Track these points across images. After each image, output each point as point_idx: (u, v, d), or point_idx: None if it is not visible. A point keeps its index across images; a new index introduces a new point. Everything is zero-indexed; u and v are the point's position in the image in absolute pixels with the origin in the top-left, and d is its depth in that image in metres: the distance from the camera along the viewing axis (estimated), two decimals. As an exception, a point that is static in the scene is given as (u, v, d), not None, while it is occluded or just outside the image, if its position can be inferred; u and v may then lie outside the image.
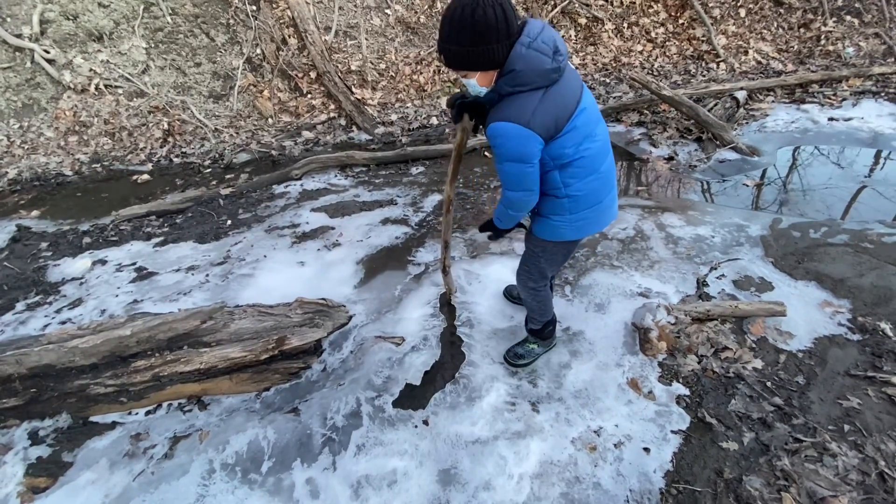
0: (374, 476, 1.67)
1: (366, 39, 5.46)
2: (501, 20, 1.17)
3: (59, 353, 1.92)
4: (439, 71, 5.50)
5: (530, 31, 1.24)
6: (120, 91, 4.94)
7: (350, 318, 2.38)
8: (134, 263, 3.09)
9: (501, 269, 2.65)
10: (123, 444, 1.91)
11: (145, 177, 4.42)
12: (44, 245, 3.39)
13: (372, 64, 5.43)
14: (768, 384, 1.87)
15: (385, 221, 3.30)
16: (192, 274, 2.92)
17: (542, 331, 1.99)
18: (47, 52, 4.79)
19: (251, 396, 2.09)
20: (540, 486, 1.59)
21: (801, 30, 6.15)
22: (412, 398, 1.95)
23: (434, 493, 1.61)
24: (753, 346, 2.06)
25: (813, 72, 5.26)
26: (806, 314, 2.22)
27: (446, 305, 2.43)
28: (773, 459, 1.58)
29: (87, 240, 3.39)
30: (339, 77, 5.13)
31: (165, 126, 4.87)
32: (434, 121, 4.99)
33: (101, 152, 4.74)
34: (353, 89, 5.19)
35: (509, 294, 2.44)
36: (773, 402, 1.79)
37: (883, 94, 4.64)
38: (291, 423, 1.89)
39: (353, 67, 5.32)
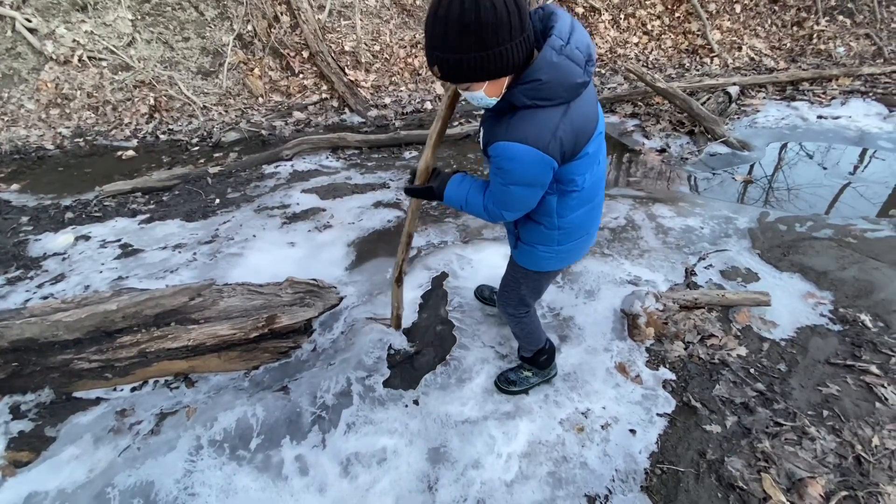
0: (363, 454, 1.68)
1: (360, 20, 5.35)
2: (514, 12, 0.91)
3: (41, 326, 1.87)
4: (434, 55, 5.43)
5: (560, 30, 0.99)
6: (104, 64, 4.78)
7: (341, 299, 2.38)
8: (119, 240, 3.02)
9: (493, 255, 2.66)
10: (108, 419, 1.88)
11: (130, 153, 4.31)
12: (24, 219, 3.29)
13: (366, 45, 5.34)
14: (751, 371, 1.92)
15: (377, 205, 3.27)
16: (180, 252, 2.86)
17: (535, 359, 1.82)
18: (29, 21, 4.59)
19: (240, 375, 2.07)
20: (528, 465, 1.61)
21: (795, 28, 6.21)
22: (403, 379, 1.96)
23: (423, 470, 1.62)
24: (738, 334, 2.10)
25: (804, 70, 5.32)
26: (790, 305, 2.27)
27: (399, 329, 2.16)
28: (755, 442, 1.62)
29: (69, 215, 3.31)
30: (333, 57, 5.03)
31: (152, 101, 4.74)
32: (428, 105, 4.94)
33: (83, 126, 4.60)
34: (347, 70, 5.10)
35: (480, 294, 2.32)
36: (756, 388, 1.84)
37: (871, 94, 4.72)
38: (281, 401, 1.88)
39: (346, 48, 5.22)
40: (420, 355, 2.08)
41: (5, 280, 2.68)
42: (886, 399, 1.73)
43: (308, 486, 1.60)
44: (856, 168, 3.71)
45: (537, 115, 1.04)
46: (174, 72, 4.93)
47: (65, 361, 1.94)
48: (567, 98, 1.04)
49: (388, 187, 3.50)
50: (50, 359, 1.93)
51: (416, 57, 5.38)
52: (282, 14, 5.16)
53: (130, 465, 1.69)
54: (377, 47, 5.36)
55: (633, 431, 1.71)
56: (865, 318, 2.14)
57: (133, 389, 2.02)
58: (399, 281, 1.91)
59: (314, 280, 2.34)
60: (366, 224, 3.05)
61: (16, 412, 1.91)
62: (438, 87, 5.23)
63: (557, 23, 1.01)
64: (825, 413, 1.72)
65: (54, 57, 4.67)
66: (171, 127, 4.65)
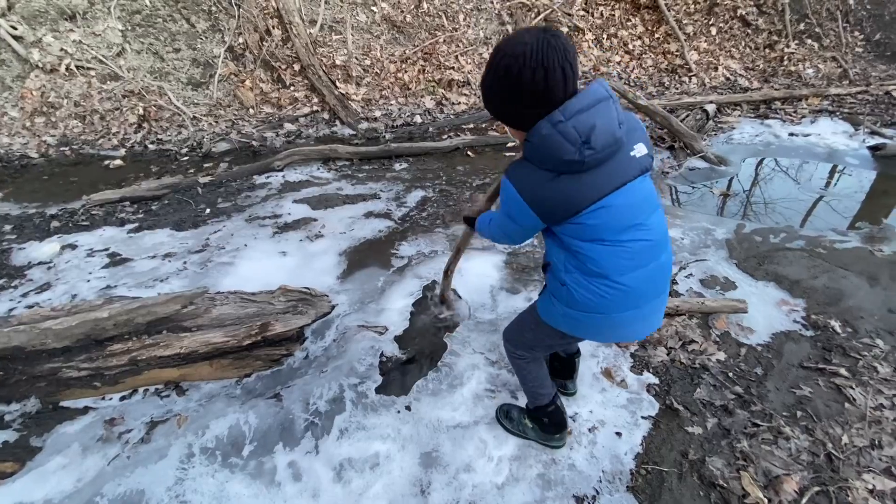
0: (356, 459, 1.70)
1: (351, 35, 5.45)
2: (540, 88, 0.98)
3: (30, 334, 1.86)
4: (424, 70, 5.55)
5: (572, 106, 1.00)
6: (92, 73, 4.77)
7: (333, 307, 2.40)
8: (107, 249, 3.00)
9: (483, 265, 2.72)
10: (97, 428, 1.86)
11: (118, 162, 4.29)
12: (7, 228, 3.25)
13: (357, 60, 5.43)
14: (730, 374, 2.00)
15: (368, 215, 3.32)
16: (169, 261, 2.86)
17: (537, 417, 1.69)
18: (14, 29, 4.58)
19: (231, 382, 2.07)
20: (518, 468, 1.65)
21: (767, 50, 6.52)
22: (395, 385, 1.99)
23: (416, 475, 1.65)
24: (717, 339, 2.19)
25: (776, 89, 5.59)
26: (765, 311, 2.38)
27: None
28: (734, 442, 1.69)
29: (55, 224, 3.27)
30: (324, 71, 5.11)
31: (141, 111, 4.74)
32: (418, 119, 5.03)
33: (70, 135, 4.56)
34: (338, 84, 5.18)
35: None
36: (734, 391, 1.92)
37: (838, 114, 4.97)
38: (273, 408, 1.89)
39: (337, 62, 5.31)
40: (411, 362, 2.11)
41: (-12, 289, 2.64)
42: (854, 400, 1.83)
43: (301, 492, 1.61)
44: (826, 183, 3.90)
45: (526, 166, 1.11)
46: (164, 82, 4.94)
47: (52, 370, 1.93)
48: (558, 170, 1.06)
49: (379, 198, 3.55)
50: (37, 367, 1.92)
51: (405, 72, 5.50)
52: (273, 28, 5.23)
53: (120, 473, 1.68)
54: (368, 62, 5.46)
55: (618, 434, 1.77)
56: (835, 324, 2.25)
57: (122, 398, 2.00)
58: (446, 275, 2.22)
59: (306, 288, 2.36)
60: (357, 234, 3.09)
61: (0, 422, 1.88)
62: (427, 102, 5.34)
63: (574, 99, 1.01)
64: (799, 414, 1.80)
65: (40, 65, 4.65)
66: (159, 137, 4.64)
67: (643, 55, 6.47)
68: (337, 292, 2.57)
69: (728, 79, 6.14)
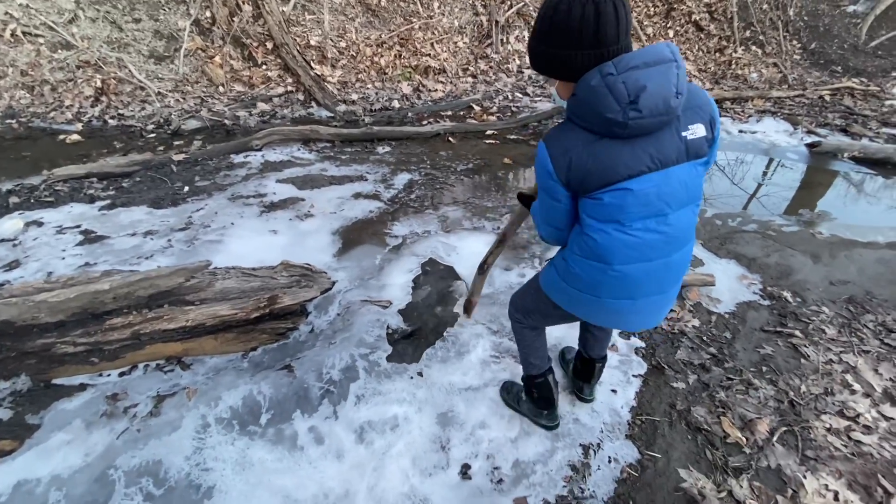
0: (376, 422, 1.76)
1: (327, 15, 5.35)
2: (590, 24, 0.90)
3: (21, 307, 1.77)
4: (400, 56, 5.55)
5: (624, 59, 0.92)
6: (41, 41, 4.40)
7: (333, 283, 2.42)
8: (78, 226, 2.84)
9: (476, 243, 2.83)
10: (98, 404, 1.81)
11: (75, 137, 4.00)
12: (-43, 203, 2.98)
13: (332, 41, 5.34)
14: (704, 338, 2.24)
15: (357, 196, 3.33)
16: (152, 238, 2.75)
17: (527, 387, 1.71)
18: (-52, -14, 4.13)
19: (237, 356, 2.07)
20: (529, 424, 1.78)
21: (717, 54, 7.04)
22: (405, 354, 2.06)
23: (435, 433, 1.74)
24: (691, 309, 2.43)
25: (726, 91, 6.07)
26: (729, 285, 2.66)
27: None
28: (713, 393, 1.92)
29: (14, 199, 3.04)
30: (298, 51, 4.98)
31: (98, 84, 4.43)
32: (396, 104, 5.04)
33: (16, 107, 4.20)
34: (312, 64, 5.07)
35: (562, 357, 2.06)
36: (709, 352, 2.15)
37: (779, 114, 5.49)
38: (286, 378, 1.91)
39: (312, 42, 5.19)
40: (417, 333, 2.19)
41: (-53, 267, 2.44)
42: (808, 356, 2.11)
43: (325, 454, 1.66)
44: (771, 174, 4.34)
45: (567, 127, 1.04)
46: (123, 54, 4.64)
47: (45, 346, 1.84)
48: (597, 129, 0.98)
49: (366, 180, 3.56)
50: (27, 343, 1.83)
51: (381, 56, 5.47)
52: (244, 2, 5.03)
53: (132, 446, 1.65)
54: (343, 44, 5.38)
55: (614, 391, 1.94)
56: (787, 295, 2.56)
57: (121, 374, 1.95)
58: (482, 270, 2.05)
59: (307, 264, 2.37)
60: (348, 214, 3.10)
61: (-12, 401, 1.78)
62: (405, 88, 5.35)
63: (632, 53, 0.94)
64: (764, 369, 2.06)
65: (-19, 29, 4.23)
66: (121, 112, 4.37)
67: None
68: (335, 269, 2.59)
69: (683, 78, 6.58)
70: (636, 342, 2.19)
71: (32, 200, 3.05)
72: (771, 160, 4.62)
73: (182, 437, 1.68)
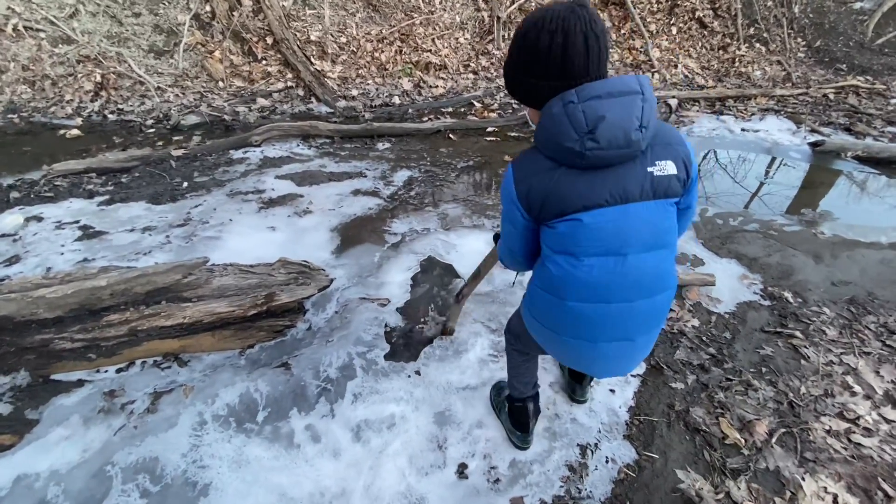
0: (373, 420, 1.76)
1: (328, 10, 5.32)
2: (556, 55, 0.88)
3: (21, 303, 1.77)
4: (401, 51, 5.52)
5: (590, 89, 0.89)
6: (42, 35, 4.38)
7: (331, 280, 2.41)
8: (77, 221, 2.83)
9: (476, 241, 2.82)
10: (96, 400, 1.81)
11: (75, 132, 4.00)
12: (-43, 198, 2.98)
13: (332, 37, 5.31)
14: (704, 338, 2.23)
15: (356, 192, 3.32)
16: (150, 234, 2.75)
17: (508, 401, 1.68)
18: (-52, -21, 4.12)
19: (234, 354, 2.06)
20: (526, 423, 1.78)
21: (720, 51, 6.99)
22: (402, 353, 2.06)
23: (432, 432, 1.74)
24: (691, 308, 2.42)
25: (729, 88, 6.03)
26: (729, 284, 2.64)
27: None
28: (712, 394, 1.91)
29: (14, 194, 3.04)
30: (298, 46, 4.96)
31: (98, 78, 4.42)
32: (396, 100, 5.02)
33: (17, 101, 4.19)
34: (312, 60, 5.05)
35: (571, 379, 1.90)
36: (708, 352, 2.14)
37: (782, 112, 5.46)
38: (283, 376, 1.91)
39: (312, 37, 5.17)
40: (415, 331, 2.18)
41: (-54, 262, 2.44)
42: (809, 357, 2.10)
43: (322, 452, 1.66)
44: (773, 174, 4.31)
45: (532, 153, 1.02)
46: (123, 48, 4.62)
47: (43, 342, 1.84)
48: (559, 159, 0.95)
49: (366, 176, 3.55)
50: (26, 339, 1.83)
51: (382, 52, 5.44)
52: (244, -3, 5.00)
53: (129, 443, 1.65)
54: (343, 39, 5.35)
55: (612, 391, 1.94)
56: (788, 295, 2.54)
57: (119, 371, 1.95)
58: (458, 300, 2.05)
59: (305, 261, 2.36)
60: (347, 211, 3.10)
61: (-13, 396, 1.78)
62: (405, 84, 5.32)
63: (596, 82, 0.90)
64: (763, 370, 2.05)
65: (-19, 23, 4.22)
66: (120, 107, 4.36)
67: (610, 49, 6.75)
68: (333, 267, 2.58)
69: (686, 76, 6.54)
70: (635, 342, 2.18)
71: (33, 195, 3.05)
72: (773, 159, 4.59)
73: (179, 435, 1.68)
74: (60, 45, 4.40)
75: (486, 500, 1.54)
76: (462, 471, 1.62)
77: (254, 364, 2.02)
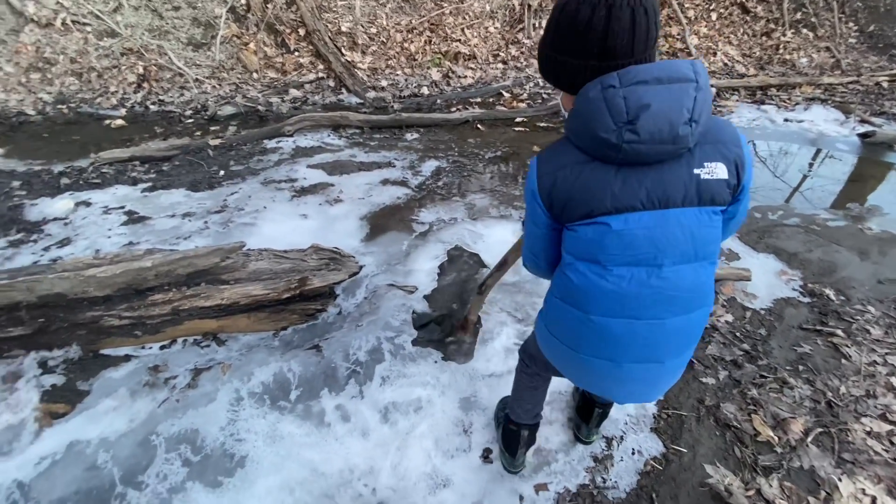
0: (400, 403, 1.80)
1: (358, 0, 5.35)
2: (597, 31, 0.77)
3: (73, 282, 1.88)
4: (430, 41, 5.51)
5: (634, 72, 0.78)
6: (89, 29, 4.59)
7: (361, 267, 2.46)
8: (122, 207, 2.98)
9: (502, 231, 2.82)
10: (141, 375, 1.92)
11: (119, 122, 4.19)
12: (16, 184, 3.18)
13: (362, 27, 5.35)
14: (737, 334, 2.17)
15: (385, 182, 3.36)
16: (190, 220, 2.87)
17: (506, 419, 1.55)
18: (6, -23, 4.35)
19: (268, 335, 2.14)
20: (551, 411, 1.78)
21: (764, 38, 6.67)
22: (430, 339, 2.09)
23: (458, 416, 1.77)
24: (725, 303, 2.36)
25: (772, 77, 5.75)
26: (766, 280, 2.56)
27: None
28: (744, 390, 1.86)
29: (65, 181, 3.22)
30: (329, 37, 5.02)
31: (140, 70, 4.60)
32: (425, 90, 5.03)
33: (66, 93, 4.42)
34: (343, 51, 5.10)
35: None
36: (742, 348, 2.09)
37: (829, 102, 5.18)
38: (314, 357, 1.97)
39: (343, 28, 5.22)
40: (442, 319, 2.21)
41: (7, 243, 2.62)
42: (850, 357, 2.02)
43: (351, 431, 1.71)
44: (817, 166, 4.11)
45: (561, 144, 0.91)
46: (164, 41, 4.79)
47: (94, 318, 1.96)
48: (591, 151, 0.85)
49: (394, 166, 3.59)
50: (78, 315, 1.95)
51: (411, 42, 5.45)
52: (278, -11, 5.09)
53: (171, 415, 1.75)
54: (374, 30, 5.38)
55: (640, 384, 1.91)
56: (830, 293, 2.44)
57: (162, 347, 2.06)
58: (481, 291, 1.97)
59: (336, 248, 2.42)
60: (376, 200, 3.14)
61: (44, 367, 1.92)
62: (434, 74, 5.32)
63: (642, 65, 0.79)
64: (801, 368, 1.98)
65: (35, 19, 4.45)
66: (161, 98, 4.53)
67: (660, 30, 6.53)
68: (362, 254, 2.63)
69: (726, 64, 6.28)
70: (665, 335, 2.14)
71: (81, 182, 3.22)
72: (818, 151, 4.37)
73: (217, 409, 1.77)
74: (105, 39, 4.61)
75: (511, 485, 1.56)
76: (487, 455, 1.64)
77: (287, 345, 2.09)
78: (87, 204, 3.00)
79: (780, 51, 6.42)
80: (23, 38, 4.38)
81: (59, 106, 4.30)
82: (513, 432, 1.51)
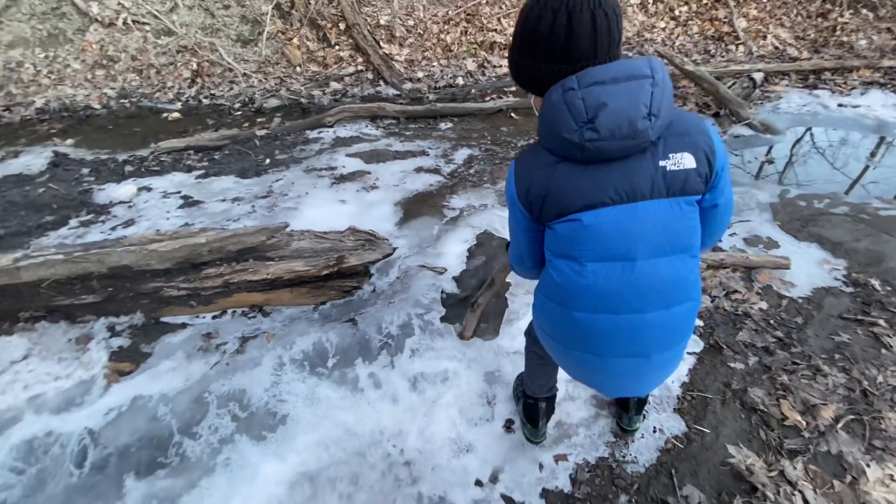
0: (428, 373, 1.91)
1: (395, -6, 5.47)
2: (559, 36, 0.80)
3: (138, 255, 2.09)
4: (466, 32, 5.55)
5: (592, 73, 0.81)
6: (147, 28, 4.94)
7: (394, 249, 2.58)
8: (179, 192, 3.24)
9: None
10: (196, 341, 2.12)
11: (175, 115, 4.50)
12: (85, 171, 3.51)
13: (400, 20, 5.46)
14: (771, 321, 2.13)
15: (418, 170, 3.47)
16: (238, 204, 3.08)
17: (524, 395, 1.62)
18: (75, -18, 4.75)
19: (309, 309, 2.30)
20: (574, 388, 1.84)
21: (819, 19, 6.27)
22: (457, 316, 2.18)
23: (482, 388, 1.85)
24: (760, 291, 2.31)
25: (826, 60, 5.42)
26: (806, 269, 2.48)
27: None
28: (774, 376, 1.85)
29: (128, 168, 3.52)
30: (368, 30, 5.17)
31: (194, 66, 4.91)
32: (460, 81, 5.09)
33: (128, 88, 4.78)
34: (381, 44, 5.24)
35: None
36: (775, 335, 2.05)
37: (889, 86, 4.83)
38: (350, 330, 2.11)
39: (381, 22, 5.35)
40: (469, 299, 2.29)
41: (79, 223, 2.91)
42: (891, 346, 1.95)
43: (382, 397, 1.83)
44: (873, 154, 3.88)
45: (534, 147, 0.95)
46: (215, 38, 5.08)
47: (155, 289, 2.17)
48: (558, 152, 0.88)
49: (428, 155, 3.69)
50: (142, 286, 2.16)
51: (448, 33, 5.51)
52: (319, -15, 5.28)
53: (222, 376, 1.93)
54: (411, 22, 5.48)
55: (665, 366, 1.93)
56: (875, 283, 2.34)
57: (214, 317, 2.25)
58: (473, 308, 2.01)
59: (371, 231, 2.55)
60: (409, 187, 3.25)
61: (112, 331, 2.15)
62: (469, 64, 5.37)
63: (600, 66, 0.82)
64: (837, 356, 1.93)
65: (99, 19, 4.84)
66: (212, 92, 4.82)
67: (689, 21, 6.30)
68: (396, 237, 2.75)
69: (777, 48, 5.96)
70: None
71: (143, 169, 3.51)
72: (874, 137, 4.12)
73: (262, 373, 1.93)
74: (163, 37, 4.94)
75: (532, 454, 1.63)
76: (509, 426, 1.72)
77: (325, 318, 2.24)
78: (148, 189, 3.27)
79: (837, 32, 6.03)
80: (88, 37, 4.78)
81: (122, 100, 4.67)
82: (531, 405, 1.58)
